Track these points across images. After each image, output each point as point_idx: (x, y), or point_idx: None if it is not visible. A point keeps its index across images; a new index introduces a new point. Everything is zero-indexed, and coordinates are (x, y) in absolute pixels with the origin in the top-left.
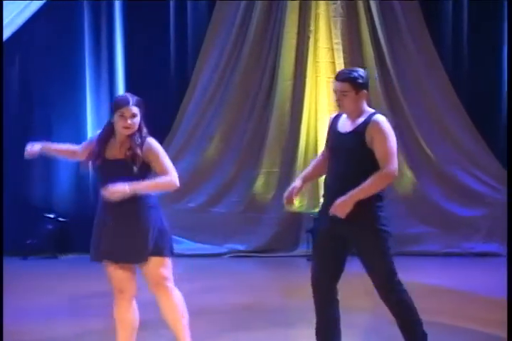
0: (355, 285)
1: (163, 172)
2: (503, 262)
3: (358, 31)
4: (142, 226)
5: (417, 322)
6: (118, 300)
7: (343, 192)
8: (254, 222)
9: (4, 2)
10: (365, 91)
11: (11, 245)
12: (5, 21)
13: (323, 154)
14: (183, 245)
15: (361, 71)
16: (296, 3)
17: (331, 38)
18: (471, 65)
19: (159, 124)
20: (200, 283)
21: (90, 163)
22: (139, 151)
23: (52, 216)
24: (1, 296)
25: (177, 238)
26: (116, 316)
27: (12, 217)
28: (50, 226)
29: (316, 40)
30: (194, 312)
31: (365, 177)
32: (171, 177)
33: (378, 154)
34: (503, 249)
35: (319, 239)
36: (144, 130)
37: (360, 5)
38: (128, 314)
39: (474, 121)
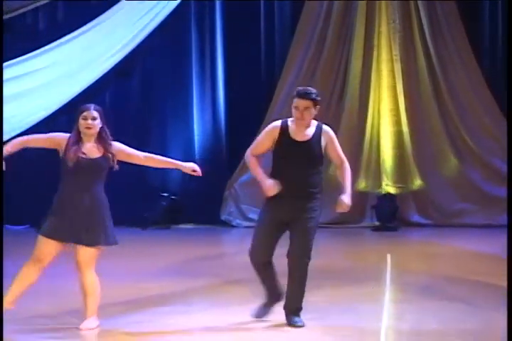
0: (410, 251)
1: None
2: None
3: (412, 44)
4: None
5: None
6: (33, 266)
7: (304, 190)
8: (328, 199)
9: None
10: (318, 106)
11: (132, 218)
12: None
13: (254, 156)
14: None
15: (315, 90)
16: (363, 22)
17: (391, 51)
18: (505, 65)
19: (251, 120)
20: (284, 249)
21: (64, 159)
22: (113, 151)
23: (166, 194)
24: (1, 294)
25: None
26: (23, 275)
27: (134, 195)
28: (164, 203)
29: (378, 53)
30: (280, 273)
31: (319, 176)
32: None
33: (334, 155)
34: None
35: (270, 224)
36: (108, 134)
37: (414, 22)
38: (34, 277)
39: (508, 119)
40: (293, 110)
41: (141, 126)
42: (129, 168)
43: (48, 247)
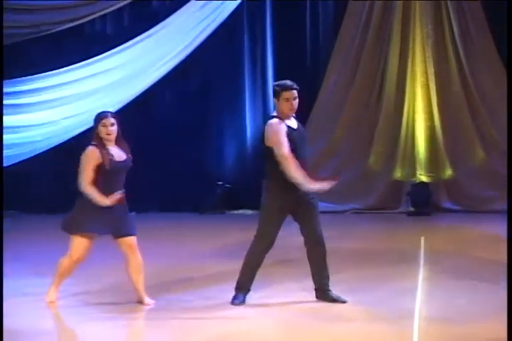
0: (442, 235)
1: None
2: None
3: (443, 47)
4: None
5: None
6: (71, 262)
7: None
8: (368, 187)
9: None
10: None
11: (191, 204)
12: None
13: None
14: None
15: None
16: (399, 27)
17: (424, 53)
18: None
19: (297, 115)
20: (327, 232)
21: (103, 167)
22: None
23: (221, 183)
24: (1, 292)
25: None
26: (63, 270)
27: (193, 183)
28: (219, 191)
29: (413, 55)
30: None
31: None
32: None
33: None
34: None
35: (278, 211)
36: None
37: (446, 27)
38: (72, 271)
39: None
40: (283, 103)
41: (199, 120)
42: (187, 159)
43: (83, 243)
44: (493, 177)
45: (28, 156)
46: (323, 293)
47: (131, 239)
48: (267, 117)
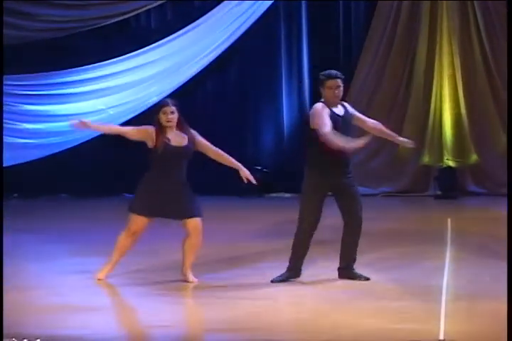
0: (468, 217)
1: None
2: None
3: (469, 39)
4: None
5: None
6: (129, 238)
7: (347, 157)
8: (398, 171)
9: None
10: None
11: (231, 187)
12: (223, 37)
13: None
14: None
15: None
16: (427, 20)
17: (451, 46)
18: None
19: None
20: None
21: (155, 147)
22: (195, 139)
23: (259, 168)
24: (1, 293)
25: None
26: (121, 246)
27: (232, 168)
28: (257, 175)
29: (440, 47)
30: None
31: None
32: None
33: (364, 118)
34: None
35: (319, 193)
36: (185, 123)
37: (471, 20)
38: (130, 247)
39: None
40: (327, 91)
41: (238, 108)
42: (227, 146)
43: (141, 222)
44: (501, 162)
45: (75, 144)
46: (347, 271)
47: (196, 221)
48: (302, 105)
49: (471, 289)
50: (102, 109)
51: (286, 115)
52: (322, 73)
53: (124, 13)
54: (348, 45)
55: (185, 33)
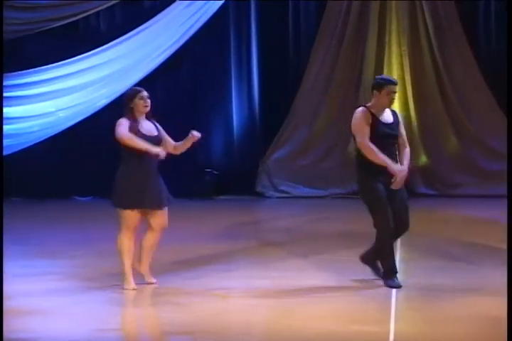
0: (418, 218)
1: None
2: None
3: (417, 40)
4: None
5: None
6: (128, 236)
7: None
8: (348, 173)
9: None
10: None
11: (181, 190)
12: (173, 39)
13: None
14: (300, 190)
15: None
16: (376, 21)
17: (400, 47)
18: (498, 56)
19: (281, 107)
20: (311, 216)
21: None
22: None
23: (209, 170)
24: (1, 293)
25: (296, 185)
26: (126, 248)
27: (183, 171)
28: (208, 177)
29: (389, 48)
30: (308, 236)
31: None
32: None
33: (404, 135)
34: None
35: (382, 195)
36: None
37: (420, 21)
38: (133, 244)
39: (499, 104)
40: (384, 96)
41: (188, 110)
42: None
43: (134, 217)
44: (465, 164)
45: (25, 146)
46: (371, 262)
47: (165, 217)
48: (252, 107)
49: (422, 290)
50: (52, 112)
51: (236, 117)
52: (380, 77)
53: (74, 15)
54: (297, 45)
55: (135, 34)
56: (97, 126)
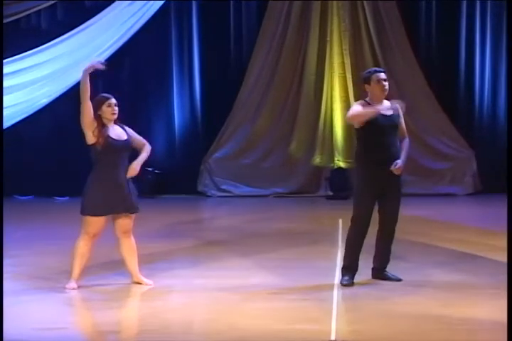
0: None
1: (143, 143)
2: (461, 199)
3: (359, 40)
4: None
5: None
6: (88, 241)
7: (394, 157)
8: (290, 172)
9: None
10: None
11: None
12: (114, 38)
13: None
14: (241, 189)
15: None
16: (318, 21)
17: (341, 46)
18: (439, 56)
19: (222, 107)
20: (252, 215)
21: (97, 144)
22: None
23: (151, 169)
24: (1, 293)
25: (238, 184)
26: (81, 251)
27: None
28: (149, 176)
29: (331, 47)
30: (249, 235)
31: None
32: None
33: (403, 127)
34: (461, 191)
35: (371, 192)
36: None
37: (361, 20)
38: (90, 250)
39: (441, 104)
40: (375, 85)
41: (129, 110)
42: None
43: (98, 223)
44: (409, 163)
45: None
46: (379, 273)
47: (130, 223)
48: (193, 106)
49: (365, 289)
50: None
51: (178, 116)
52: (366, 71)
53: (15, 14)
54: (239, 45)
55: (76, 33)
56: (38, 125)
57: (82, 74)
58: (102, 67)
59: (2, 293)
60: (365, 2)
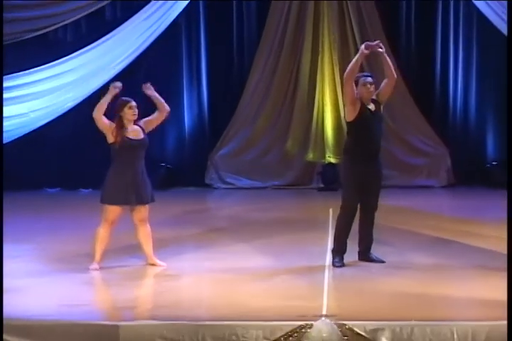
0: None
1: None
2: (436, 191)
3: (347, 49)
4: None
5: None
6: (107, 228)
7: (378, 151)
8: (286, 167)
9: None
10: None
11: None
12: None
13: None
14: (243, 182)
15: None
16: (310, 33)
17: (331, 56)
18: (417, 63)
19: (227, 108)
20: (252, 205)
21: (115, 142)
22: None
23: (163, 164)
24: (1, 293)
25: (240, 177)
26: (102, 236)
27: None
28: (162, 171)
29: (322, 56)
30: (250, 223)
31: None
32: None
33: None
34: (436, 184)
35: (357, 181)
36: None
37: (349, 35)
38: (109, 235)
39: (418, 106)
40: (362, 87)
41: (144, 112)
42: None
43: (116, 211)
44: (388, 158)
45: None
46: (365, 255)
47: (145, 212)
48: (201, 105)
49: (352, 270)
50: (25, 113)
51: (187, 118)
52: (356, 75)
53: (44, 28)
54: (241, 55)
55: (98, 45)
56: (64, 125)
57: (107, 95)
58: (119, 89)
59: (2, 289)
60: (352, 17)
